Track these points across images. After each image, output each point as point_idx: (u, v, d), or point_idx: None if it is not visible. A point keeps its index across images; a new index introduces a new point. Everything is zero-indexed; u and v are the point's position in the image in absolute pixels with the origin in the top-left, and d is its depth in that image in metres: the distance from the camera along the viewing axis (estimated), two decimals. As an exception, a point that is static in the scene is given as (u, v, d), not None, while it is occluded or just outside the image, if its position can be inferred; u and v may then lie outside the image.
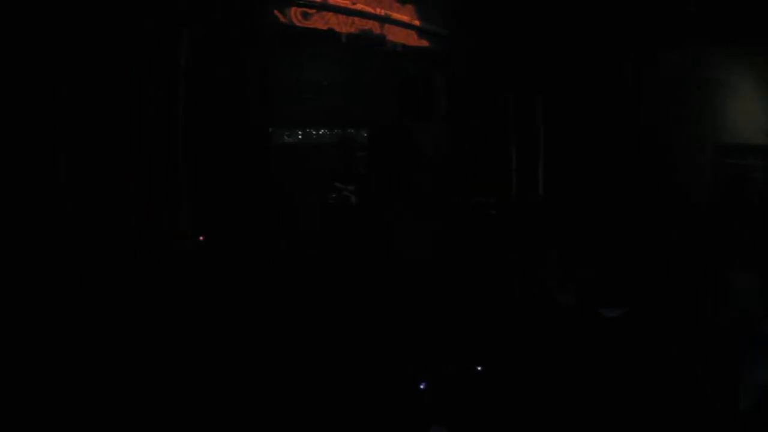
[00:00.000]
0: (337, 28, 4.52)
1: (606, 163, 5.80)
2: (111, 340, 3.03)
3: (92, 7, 3.22)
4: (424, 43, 5.15)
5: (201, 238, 3.79)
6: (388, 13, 4.84)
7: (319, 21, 4.43)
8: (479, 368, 3.33)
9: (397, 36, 4.94)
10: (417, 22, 5.07)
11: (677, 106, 6.21)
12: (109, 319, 3.12)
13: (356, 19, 4.63)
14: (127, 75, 3.37)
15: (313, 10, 4.39)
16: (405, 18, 4.98)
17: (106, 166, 3.34)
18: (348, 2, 4.56)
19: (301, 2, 4.32)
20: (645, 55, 6.07)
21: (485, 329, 3.74)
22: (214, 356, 3.14)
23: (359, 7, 4.63)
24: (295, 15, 4.31)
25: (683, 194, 5.87)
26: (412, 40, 5.06)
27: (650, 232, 5.54)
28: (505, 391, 3.14)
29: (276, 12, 4.23)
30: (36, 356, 2.81)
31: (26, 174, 3.06)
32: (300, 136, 4.48)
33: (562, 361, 3.43)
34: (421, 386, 3.12)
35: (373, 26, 4.74)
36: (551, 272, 4.72)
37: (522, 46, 5.50)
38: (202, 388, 2.93)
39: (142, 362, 2.97)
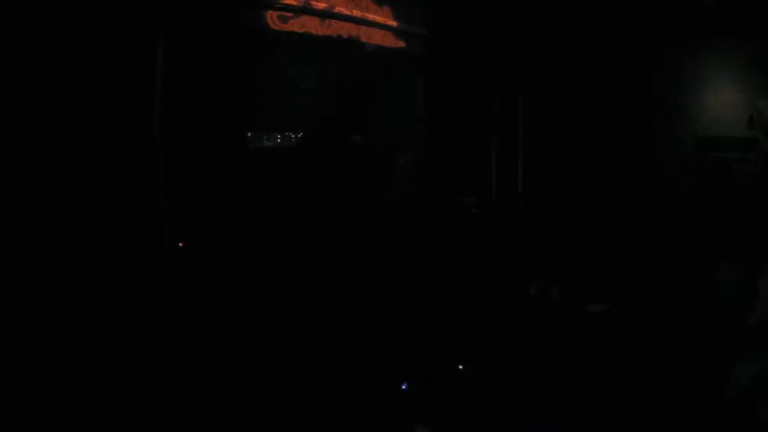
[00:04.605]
0: (314, 31, 4.52)
1: (588, 160, 5.82)
2: (95, 351, 2.99)
3: (71, 11, 3.21)
4: (402, 44, 5.16)
5: (180, 244, 3.75)
6: (365, 14, 4.85)
7: (296, 24, 4.44)
8: (461, 367, 3.32)
9: (374, 38, 4.94)
10: (394, 23, 5.08)
11: (661, 101, 6.25)
12: (95, 329, 3.08)
13: (333, 21, 4.64)
14: (106, 79, 3.36)
15: (291, 14, 4.40)
16: (382, 19, 4.98)
17: (88, 171, 3.32)
18: (325, 5, 4.57)
19: (278, 6, 4.32)
20: (630, 52, 6.11)
21: (470, 328, 3.73)
22: (203, 360, 3.12)
23: (336, 9, 4.64)
24: (272, 19, 4.32)
25: (668, 189, 5.90)
26: (390, 41, 5.06)
27: (636, 228, 5.55)
28: (490, 389, 3.13)
29: (253, 16, 4.24)
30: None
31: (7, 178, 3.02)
32: (279, 139, 4.48)
33: (548, 358, 3.42)
34: (403, 386, 3.11)
35: (349, 28, 4.75)
36: (535, 269, 4.73)
37: (503, 44, 5.53)
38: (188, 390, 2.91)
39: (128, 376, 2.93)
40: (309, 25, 4.49)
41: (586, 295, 4.14)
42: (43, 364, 2.83)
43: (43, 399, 2.71)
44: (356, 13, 4.78)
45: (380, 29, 4.98)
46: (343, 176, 3.93)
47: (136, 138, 3.52)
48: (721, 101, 6.13)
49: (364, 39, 4.86)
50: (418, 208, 4.77)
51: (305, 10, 4.45)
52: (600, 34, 5.86)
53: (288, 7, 4.35)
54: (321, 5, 4.54)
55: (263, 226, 4.06)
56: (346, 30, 4.73)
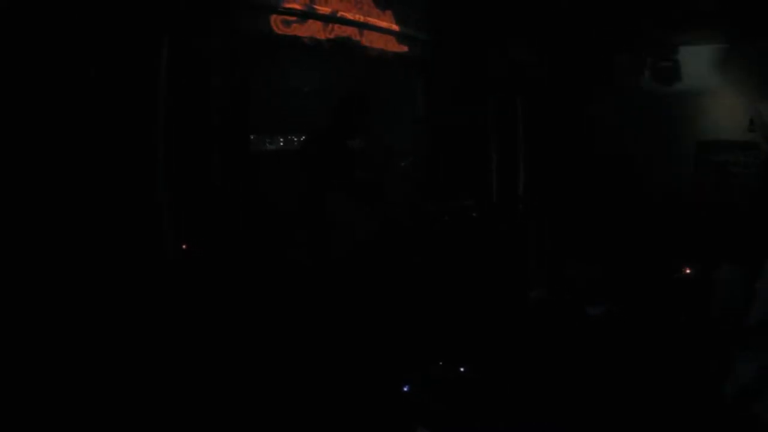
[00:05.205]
0: (316, 35, 4.56)
1: (588, 163, 5.83)
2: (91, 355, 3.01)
3: (75, 11, 3.22)
4: (403, 47, 5.20)
5: (184, 246, 3.77)
6: (367, 19, 4.89)
7: (300, 29, 4.48)
8: (462, 369, 3.32)
9: (375, 41, 4.98)
10: (396, 27, 5.12)
11: (661, 103, 6.25)
12: (97, 328, 3.09)
13: (336, 26, 4.67)
14: (110, 80, 3.38)
15: (294, 18, 4.43)
16: (384, 23, 5.02)
17: (91, 172, 3.33)
18: (328, 9, 4.61)
19: (281, 10, 4.36)
20: (630, 54, 6.12)
21: (470, 328, 3.73)
22: (204, 360, 3.13)
23: (339, 14, 4.68)
24: (275, 22, 4.36)
25: (668, 190, 5.89)
26: (391, 44, 5.11)
27: (636, 228, 5.55)
28: (490, 389, 3.13)
29: (257, 19, 4.28)
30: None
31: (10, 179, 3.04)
32: (281, 142, 4.51)
33: (548, 360, 3.42)
34: (405, 388, 3.12)
35: (352, 32, 4.79)
36: (534, 270, 4.73)
37: (502, 47, 5.54)
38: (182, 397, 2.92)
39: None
40: (312, 29, 4.53)
41: (586, 295, 4.14)
42: (45, 363, 2.85)
43: (45, 398, 2.73)
44: (359, 17, 4.83)
45: (382, 33, 5.03)
46: (345, 178, 3.96)
47: (139, 139, 3.55)
48: (721, 104, 6.13)
49: (366, 42, 4.91)
50: (418, 209, 4.79)
51: (308, 15, 4.48)
52: (599, 34, 5.87)
53: (291, 11, 4.39)
54: (324, 10, 4.58)
55: (265, 228, 4.08)
56: (348, 34, 4.78)
